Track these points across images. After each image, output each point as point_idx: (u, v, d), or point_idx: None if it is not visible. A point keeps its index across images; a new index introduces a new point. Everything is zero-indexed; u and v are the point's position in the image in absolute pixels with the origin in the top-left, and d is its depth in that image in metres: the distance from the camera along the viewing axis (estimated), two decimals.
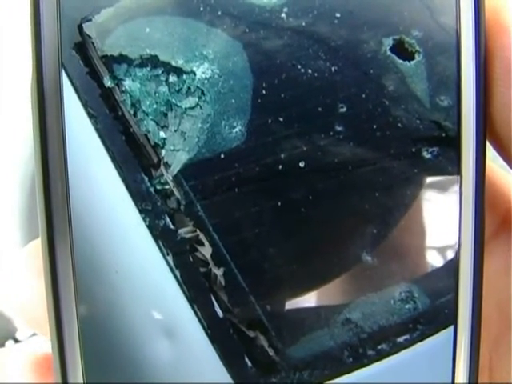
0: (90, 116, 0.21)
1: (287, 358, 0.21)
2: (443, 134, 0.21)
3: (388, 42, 0.21)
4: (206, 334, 0.21)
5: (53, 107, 0.20)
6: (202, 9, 0.21)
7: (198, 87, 0.21)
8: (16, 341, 0.57)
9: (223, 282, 0.21)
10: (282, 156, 0.21)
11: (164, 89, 0.21)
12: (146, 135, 0.21)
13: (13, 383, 0.23)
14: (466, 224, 0.21)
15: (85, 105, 0.21)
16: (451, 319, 0.21)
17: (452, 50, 0.21)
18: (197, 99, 0.21)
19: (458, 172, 0.21)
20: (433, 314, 0.21)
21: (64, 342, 0.21)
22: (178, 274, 0.21)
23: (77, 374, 0.21)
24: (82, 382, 0.21)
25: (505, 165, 0.23)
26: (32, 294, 0.22)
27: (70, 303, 0.21)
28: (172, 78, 0.21)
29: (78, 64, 0.21)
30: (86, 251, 0.21)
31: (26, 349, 0.25)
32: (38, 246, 0.21)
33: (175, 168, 0.21)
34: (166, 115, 0.21)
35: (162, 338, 0.21)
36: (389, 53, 0.21)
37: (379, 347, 0.21)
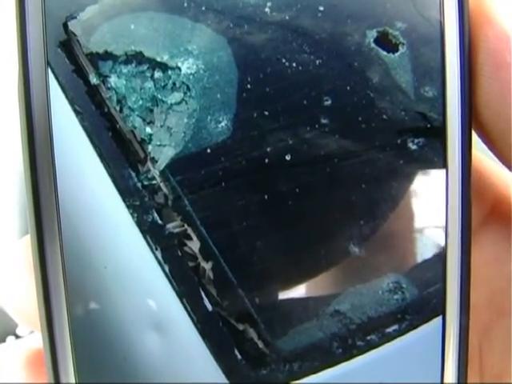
0: (77, 113, 0.21)
1: (277, 350, 0.21)
2: (428, 125, 0.21)
3: (372, 34, 0.21)
4: (196, 327, 0.21)
5: (39, 105, 0.20)
6: (186, 4, 0.21)
7: (183, 82, 0.21)
8: (17, 336, 0.57)
9: (212, 276, 0.21)
10: (268, 149, 0.21)
11: (149, 85, 0.21)
12: (132, 131, 0.21)
13: (7, 383, 0.23)
14: (453, 214, 0.21)
15: (71, 102, 0.21)
16: (440, 309, 0.21)
17: (436, 41, 0.21)
18: (182, 94, 0.21)
19: (444, 162, 0.21)
20: (421, 304, 0.21)
21: (55, 337, 0.21)
22: (166, 268, 0.21)
23: (68, 371, 0.21)
24: (73, 378, 0.21)
25: (493, 156, 0.23)
26: (23, 289, 0.22)
27: (60, 299, 0.21)
28: (157, 74, 0.21)
29: (64, 62, 0.21)
30: (75, 247, 0.21)
31: (23, 345, 0.25)
32: (28, 242, 0.21)
33: (162, 163, 0.21)
34: (151, 111, 0.21)
35: (151, 333, 0.21)
36: (373, 45, 0.21)
37: (368, 338, 0.21)
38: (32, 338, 0.22)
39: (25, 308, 0.23)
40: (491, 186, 0.24)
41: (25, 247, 0.22)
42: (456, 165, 0.21)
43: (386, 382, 0.21)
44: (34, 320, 0.22)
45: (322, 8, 0.21)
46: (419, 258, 0.22)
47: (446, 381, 0.21)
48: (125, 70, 0.21)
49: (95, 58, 0.21)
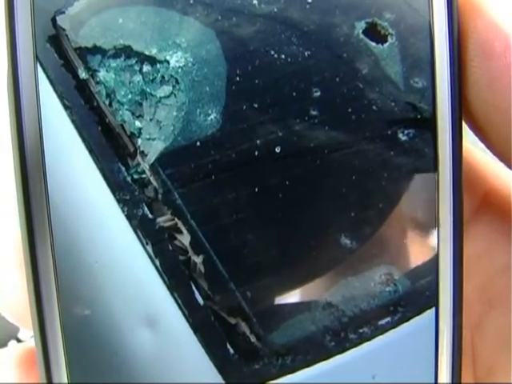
0: (66, 107, 0.21)
1: (269, 344, 0.21)
2: (418, 116, 0.21)
3: (360, 26, 0.21)
4: (188, 322, 0.21)
5: (29, 100, 0.20)
6: None
7: (172, 76, 0.21)
8: (18, 340, 0.57)
9: (203, 270, 0.21)
10: (258, 142, 0.21)
11: (138, 78, 0.21)
12: (121, 125, 0.21)
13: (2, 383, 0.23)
14: (444, 205, 0.21)
15: (60, 96, 0.21)
16: (433, 301, 0.21)
17: (425, 31, 0.21)
18: (171, 88, 0.21)
19: (435, 153, 0.21)
20: (414, 296, 0.21)
21: (46, 335, 0.21)
22: (157, 262, 0.21)
23: (60, 369, 0.21)
24: (65, 377, 0.21)
25: (485, 148, 0.23)
26: (14, 287, 0.22)
27: (51, 295, 0.21)
28: (146, 68, 0.21)
29: (53, 56, 0.21)
30: (66, 243, 0.21)
31: (18, 346, 0.25)
32: (19, 238, 0.21)
33: (152, 157, 0.21)
34: (141, 105, 0.21)
35: (143, 328, 0.21)
36: (362, 36, 0.21)
37: (361, 331, 0.21)
38: (33, 341, 0.22)
39: (16, 306, 0.23)
40: (482, 177, 0.24)
41: (15, 244, 0.22)
42: (447, 156, 0.21)
43: (379, 374, 0.21)
44: (25, 318, 0.22)
45: (310, 0, 0.21)
46: (411, 250, 0.22)
47: (439, 374, 0.21)
48: (113, 64, 0.21)
49: (84, 53, 0.21)
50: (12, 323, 0.25)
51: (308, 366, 0.21)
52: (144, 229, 0.21)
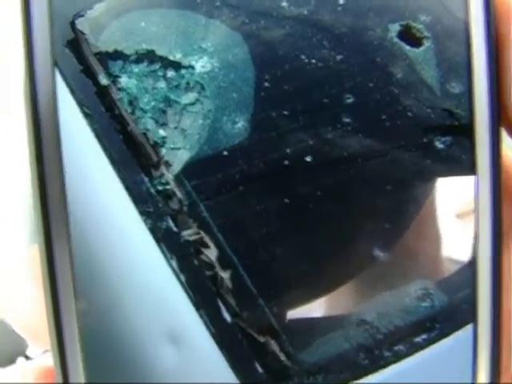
0: (86, 115, 0.20)
1: (300, 362, 0.20)
2: (456, 123, 0.20)
3: (395, 28, 0.20)
4: (214, 339, 0.20)
5: (47, 107, 0.20)
6: (199, 0, 0.20)
7: (197, 82, 0.20)
8: (27, 358, 0.56)
9: (230, 286, 0.20)
10: (288, 151, 0.20)
11: (162, 85, 0.20)
12: (144, 134, 0.20)
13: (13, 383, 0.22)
14: (483, 216, 0.20)
15: (80, 104, 0.20)
16: (470, 316, 0.20)
17: (462, 34, 0.20)
18: (196, 94, 0.20)
19: (473, 161, 0.20)
20: (451, 311, 0.20)
21: (66, 353, 0.20)
22: (182, 278, 0.20)
23: None
24: None
25: None
26: (30, 302, 0.21)
27: (71, 311, 0.20)
28: (170, 73, 0.20)
29: (72, 62, 0.20)
30: (86, 257, 0.20)
31: (34, 363, 0.24)
32: (36, 252, 0.20)
33: (176, 167, 0.20)
34: (164, 112, 0.20)
35: (168, 345, 0.20)
36: (396, 39, 0.20)
37: (396, 348, 0.20)
38: (44, 358, 0.21)
39: (32, 322, 0.22)
40: None
41: (32, 258, 0.21)
42: (485, 164, 0.20)
43: None
44: (41, 335, 0.21)
45: (341, 1, 0.20)
46: (448, 263, 0.21)
47: None
48: (136, 70, 0.20)
49: (104, 58, 0.20)
50: (20, 340, 0.24)
51: None
52: (168, 243, 0.20)
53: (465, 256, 0.20)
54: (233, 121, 0.20)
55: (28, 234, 0.22)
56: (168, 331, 0.20)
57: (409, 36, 0.20)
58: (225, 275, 0.20)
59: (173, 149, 0.20)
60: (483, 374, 0.20)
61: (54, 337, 0.20)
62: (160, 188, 0.20)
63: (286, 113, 0.20)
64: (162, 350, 0.20)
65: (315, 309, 0.20)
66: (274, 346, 0.20)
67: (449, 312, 0.20)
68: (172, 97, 0.20)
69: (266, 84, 0.20)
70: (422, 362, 0.20)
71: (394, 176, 0.20)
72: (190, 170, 0.20)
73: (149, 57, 0.20)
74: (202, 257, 0.20)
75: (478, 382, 0.20)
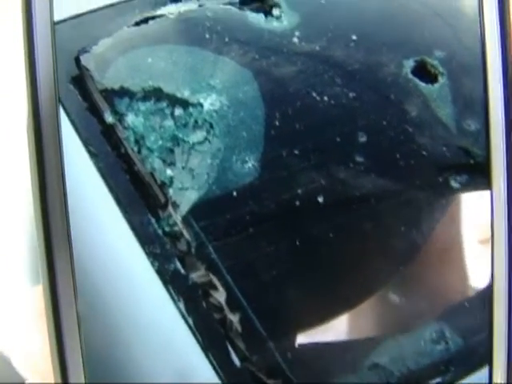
0: (91, 154, 0.19)
1: None
2: (472, 161, 0.20)
3: (409, 64, 0.19)
4: (223, 383, 0.19)
5: (51, 146, 0.19)
6: (207, 36, 0.19)
7: (205, 120, 0.19)
8: None
9: (240, 329, 0.19)
10: (299, 191, 0.19)
11: (169, 123, 0.19)
12: (151, 173, 0.19)
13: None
14: (499, 256, 0.20)
15: (85, 143, 0.19)
16: (486, 359, 0.20)
17: (478, 70, 0.19)
18: (205, 133, 0.19)
19: (490, 201, 0.19)
20: (466, 354, 0.20)
21: None
22: (190, 321, 0.19)
23: None
24: None
25: None
26: (34, 341, 0.21)
27: (77, 353, 0.19)
28: (178, 111, 0.19)
29: (77, 99, 0.19)
30: (92, 298, 0.19)
31: None
32: (40, 291, 0.20)
33: (184, 208, 0.19)
34: (172, 151, 0.19)
35: None
36: (410, 75, 0.20)
37: None
38: None
39: (35, 361, 0.22)
40: None
41: (36, 297, 0.21)
42: (502, 204, 0.19)
43: None
44: (44, 374, 0.20)
45: (354, 37, 0.19)
46: (463, 305, 0.20)
47: None
48: (143, 108, 0.19)
49: (110, 95, 0.19)
50: (17, 373, 0.23)
51: None
52: (176, 285, 0.19)
53: (481, 298, 0.20)
54: (242, 160, 0.19)
55: (33, 274, 0.21)
56: (175, 374, 0.19)
57: (424, 72, 0.20)
58: (234, 318, 0.19)
59: (181, 189, 0.19)
60: None
61: (59, 380, 0.20)
62: (167, 229, 0.19)
63: (297, 152, 0.19)
64: None
65: (326, 353, 0.20)
66: None
67: (464, 355, 0.20)
68: (180, 135, 0.19)
69: (277, 122, 0.19)
70: None
71: (408, 217, 0.19)
72: (198, 211, 0.19)
73: (156, 94, 0.19)
74: (211, 299, 0.19)
75: None
